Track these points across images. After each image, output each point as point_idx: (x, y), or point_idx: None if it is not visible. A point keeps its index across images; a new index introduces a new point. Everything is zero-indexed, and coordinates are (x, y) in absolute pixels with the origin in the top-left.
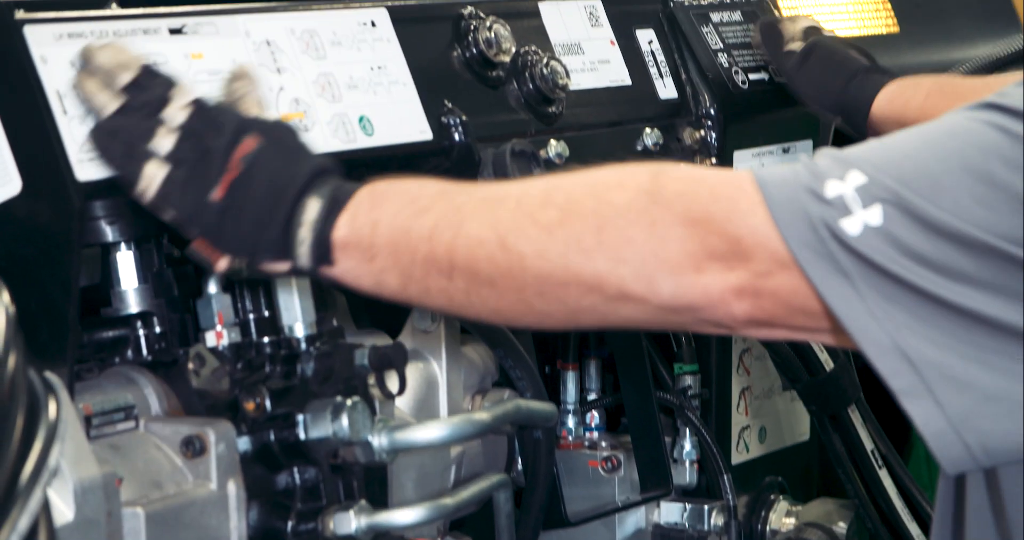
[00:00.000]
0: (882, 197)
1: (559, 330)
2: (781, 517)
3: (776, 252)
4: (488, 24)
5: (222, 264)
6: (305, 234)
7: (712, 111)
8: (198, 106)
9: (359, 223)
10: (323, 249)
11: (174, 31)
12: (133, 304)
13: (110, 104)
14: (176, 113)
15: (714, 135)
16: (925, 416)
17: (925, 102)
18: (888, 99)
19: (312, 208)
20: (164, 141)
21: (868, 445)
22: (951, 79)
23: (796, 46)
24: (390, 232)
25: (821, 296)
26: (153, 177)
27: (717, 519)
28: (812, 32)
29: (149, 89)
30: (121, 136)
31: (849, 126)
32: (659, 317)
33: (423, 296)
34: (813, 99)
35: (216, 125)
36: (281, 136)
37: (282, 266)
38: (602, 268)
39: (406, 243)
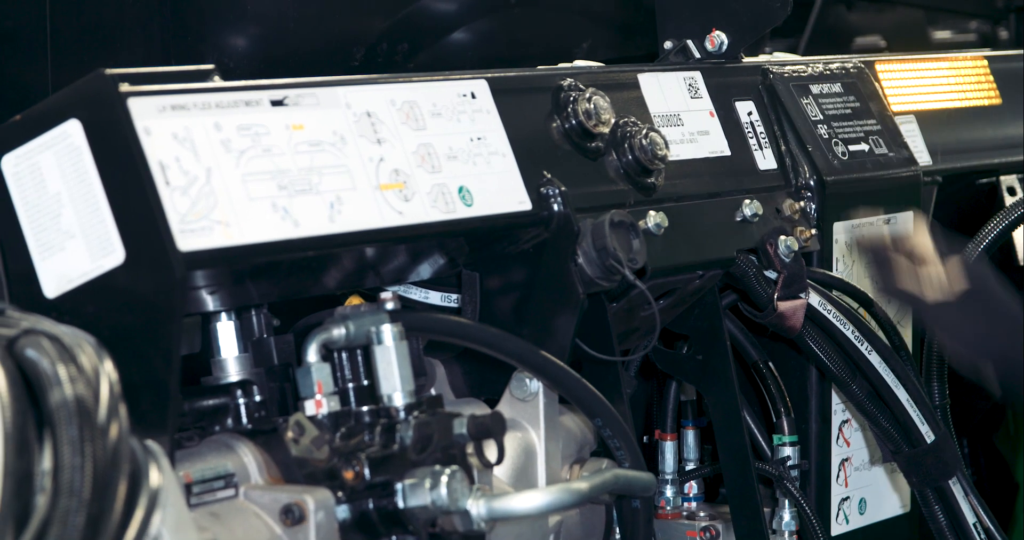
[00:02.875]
0: None
1: None
2: None
3: None
4: (587, 95)
5: None
6: None
7: (811, 182)
8: None
9: None
10: None
11: (276, 103)
12: (233, 373)
13: None
14: None
15: (813, 206)
16: None
17: None
18: None
19: None
20: None
21: (970, 518)
22: None
23: (946, 294)
24: None
25: None
26: None
27: None
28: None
29: None
30: None
31: (1004, 384)
32: None
33: None
34: (969, 354)
35: None
36: None
37: None
38: None
39: None
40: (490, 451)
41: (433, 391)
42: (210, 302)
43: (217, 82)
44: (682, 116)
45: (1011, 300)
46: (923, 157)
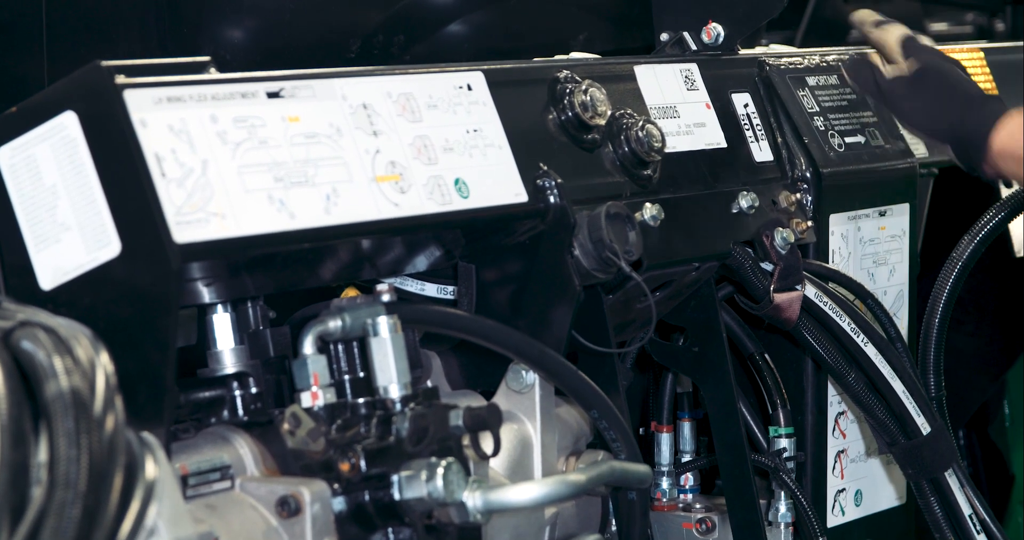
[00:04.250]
0: None
1: None
2: None
3: None
4: (584, 87)
5: None
6: None
7: (808, 174)
8: None
9: None
10: None
11: (272, 95)
12: (229, 365)
13: None
14: None
15: (810, 198)
16: None
17: None
18: (1010, 133)
19: None
20: None
21: (966, 510)
22: None
23: (900, 69)
24: None
25: None
26: None
27: None
28: (911, 46)
29: None
30: None
31: (961, 158)
32: None
33: None
34: (924, 128)
35: None
36: None
37: None
38: None
39: None
40: (486, 443)
41: (429, 383)
42: (206, 294)
43: (213, 74)
44: (678, 108)
45: (966, 78)
46: (919, 149)
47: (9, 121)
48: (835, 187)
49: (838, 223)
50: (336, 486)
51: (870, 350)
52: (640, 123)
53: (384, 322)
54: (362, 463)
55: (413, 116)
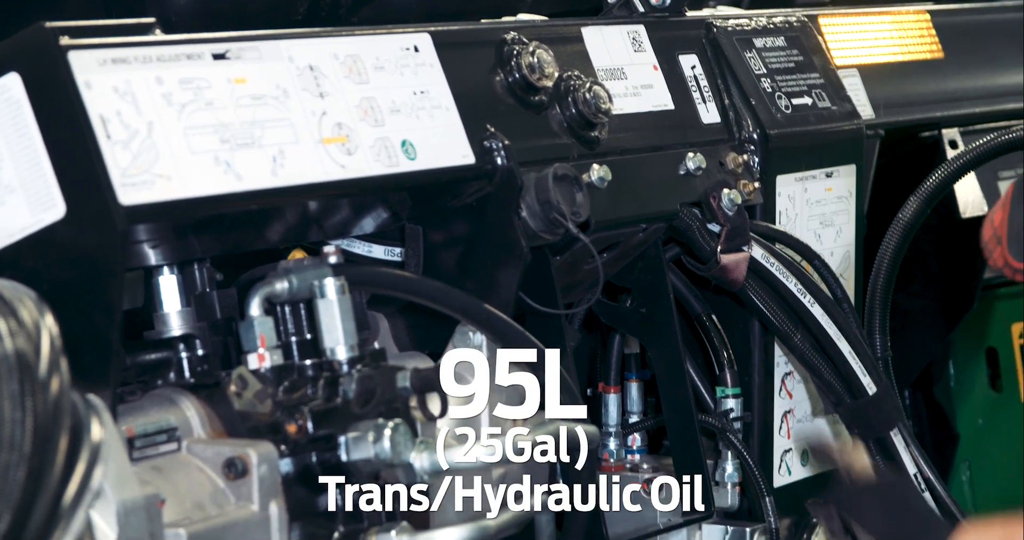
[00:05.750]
0: None
1: None
2: None
3: None
4: (531, 49)
5: None
6: None
7: (755, 136)
8: None
9: None
10: None
11: (217, 56)
12: (176, 327)
13: None
14: None
15: (757, 159)
16: None
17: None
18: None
19: None
20: None
21: (911, 468)
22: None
23: (868, 477)
24: None
25: None
26: None
27: None
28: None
29: None
30: None
31: None
32: None
33: None
34: (875, 531)
35: None
36: None
37: None
38: None
39: None
40: (433, 404)
41: (376, 345)
42: (152, 256)
43: (158, 36)
44: (626, 70)
45: (927, 507)
46: (866, 111)
47: None
48: (782, 148)
49: (785, 184)
50: (283, 448)
51: (816, 311)
52: (587, 85)
53: (331, 284)
54: (309, 425)
55: (360, 78)
